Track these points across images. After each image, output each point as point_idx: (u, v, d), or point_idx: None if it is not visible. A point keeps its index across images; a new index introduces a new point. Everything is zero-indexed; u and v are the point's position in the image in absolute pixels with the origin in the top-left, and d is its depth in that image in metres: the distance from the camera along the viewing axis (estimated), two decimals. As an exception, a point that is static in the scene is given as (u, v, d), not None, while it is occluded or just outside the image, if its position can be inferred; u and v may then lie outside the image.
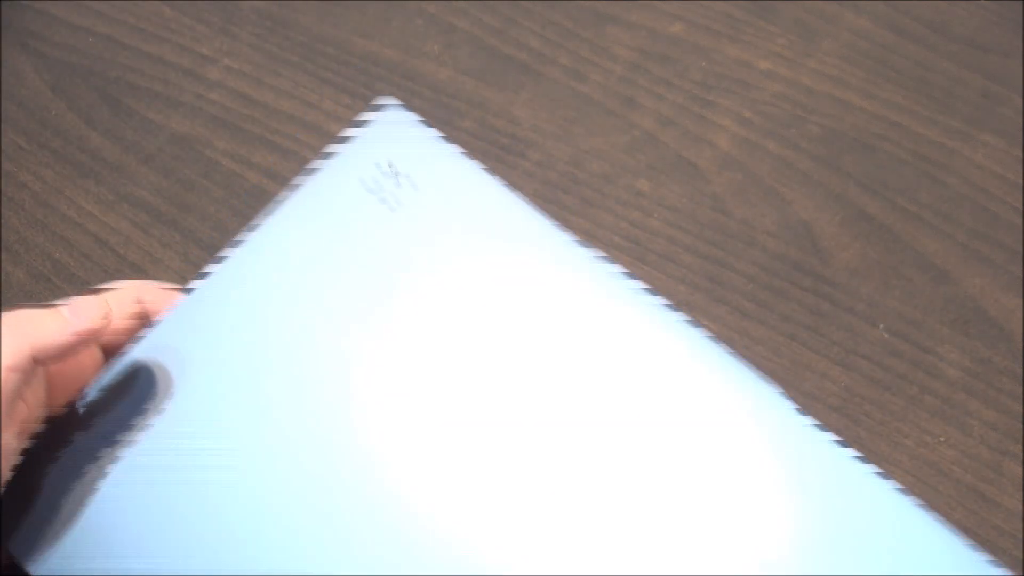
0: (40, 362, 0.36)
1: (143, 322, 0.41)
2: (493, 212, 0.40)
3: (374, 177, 0.41)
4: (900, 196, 0.56)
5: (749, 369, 0.37)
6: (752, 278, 0.53)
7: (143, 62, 0.59)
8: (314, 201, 0.41)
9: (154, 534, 0.36)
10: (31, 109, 0.58)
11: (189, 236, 0.54)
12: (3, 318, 0.36)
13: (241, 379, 0.38)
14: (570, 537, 0.35)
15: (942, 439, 0.48)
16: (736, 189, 0.55)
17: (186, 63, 0.59)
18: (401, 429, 0.37)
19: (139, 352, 0.39)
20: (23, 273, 0.53)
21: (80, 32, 0.60)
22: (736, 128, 0.58)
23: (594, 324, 0.38)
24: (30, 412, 0.38)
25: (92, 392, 0.39)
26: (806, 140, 0.58)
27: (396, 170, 0.41)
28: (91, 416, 0.38)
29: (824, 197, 0.55)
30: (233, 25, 0.61)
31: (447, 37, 0.61)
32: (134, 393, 0.38)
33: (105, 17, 0.60)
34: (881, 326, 0.51)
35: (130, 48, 0.59)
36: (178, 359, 0.39)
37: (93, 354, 0.40)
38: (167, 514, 0.37)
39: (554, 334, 0.38)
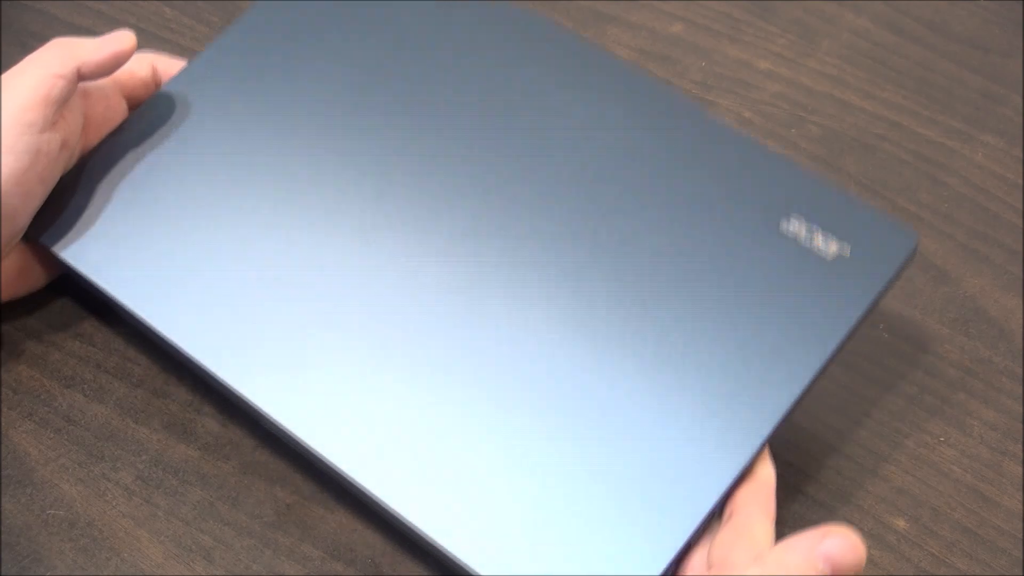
0: (83, 76, 0.45)
1: (158, 83, 0.51)
2: None
3: None
4: (900, 196, 0.56)
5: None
6: (752, 278, 0.53)
7: (143, 62, 0.59)
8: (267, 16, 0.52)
9: (174, 234, 0.46)
10: (31, 109, 0.58)
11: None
12: (50, 42, 0.46)
13: (252, 113, 0.49)
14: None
15: (942, 439, 0.48)
16: (736, 189, 0.55)
17: (186, 63, 0.59)
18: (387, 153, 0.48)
19: (159, 96, 0.50)
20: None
21: (80, 32, 0.60)
22: (736, 128, 0.58)
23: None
24: (69, 130, 0.46)
25: (122, 130, 0.49)
26: (806, 140, 0.58)
27: None
28: (121, 147, 0.48)
29: (824, 197, 0.55)
30: (233, 25, 0.61)
31: (447, 37, 0.61)
32: (156, 128, 0.49)
33: (105, 17, 0.60)
34: (881, 326, 0.51)
35: (130, 48, 0.59)
36: (189, 103, 0.49)
37: (119, 104, 0.50)
38: (188, 219, 0.46)
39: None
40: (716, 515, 0.40)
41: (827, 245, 0.44)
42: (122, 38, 0.47)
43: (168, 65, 0.51)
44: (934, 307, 0.52)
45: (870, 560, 0.44)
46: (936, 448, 0.48)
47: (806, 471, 0.46)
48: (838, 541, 0.36)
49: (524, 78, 0.50)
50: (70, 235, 0.46)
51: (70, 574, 0.43)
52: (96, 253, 0.46)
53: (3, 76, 0.45)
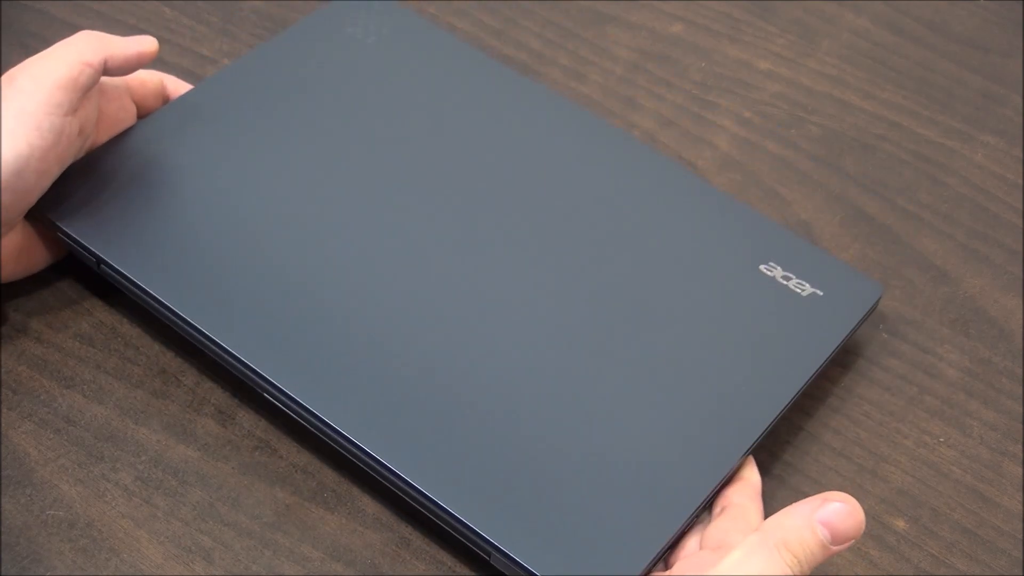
0: (108, 69, 0.47)
1: (166, 99, 0.53)
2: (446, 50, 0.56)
3: (349, 24, 0.56)
4: (900, 196, 0.56)
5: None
6: (752, 278, 0.53)
7: (143, 62, 0.59)
8: (291, 40, 0.56)
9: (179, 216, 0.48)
10: (31, 109, 0.58)
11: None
12: (79, 32, 0.47)
13: (254, 121, 0.52)
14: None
15: (942, 439, 0.48)
16: (736, 189, 0.55)
17: (186, 63, 0.59)
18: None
19: (171, 106, 0.52)
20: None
21: (80, 32, 0.60)
22: (736, 128, 0.58)
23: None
24: (86, 119, 0.48)
25: (132, 131, 0.51)
26: (806, 140, 0.58)
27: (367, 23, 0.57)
28: (131, 146, 0.50)
29: (824, 197, 0.55)
30: (233, 25, 0.61)
31: (447, 37, 0.61)
32: (167, 134, 0.51)
33: (105, 17, 0.60)
34: (881, 326, 0.51)
35: (130, 48, 0.59)
36: (202, 116, 0.52)
37: (131, 107, 0.51)
38: (195, 212, 0.49)
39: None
40: (706, 509, 0.42)
41: (802, 288, 0.48)
42: (147, 41, 0.48)
43: (177, 85, 0.53)
44: (934, 307, 0.52)
45: (870, 560, 0.44)
46: (936, 448, 0.48)
47: (806, 471, 0.46)
48: (837, 507, 0.37)
49: (531, 146, 0.52)
50: (74, 212, 0.48)
51: (69, 574, 0.43)
52: (98, 227, 0.47)
53: (33, 57, 0.46)
